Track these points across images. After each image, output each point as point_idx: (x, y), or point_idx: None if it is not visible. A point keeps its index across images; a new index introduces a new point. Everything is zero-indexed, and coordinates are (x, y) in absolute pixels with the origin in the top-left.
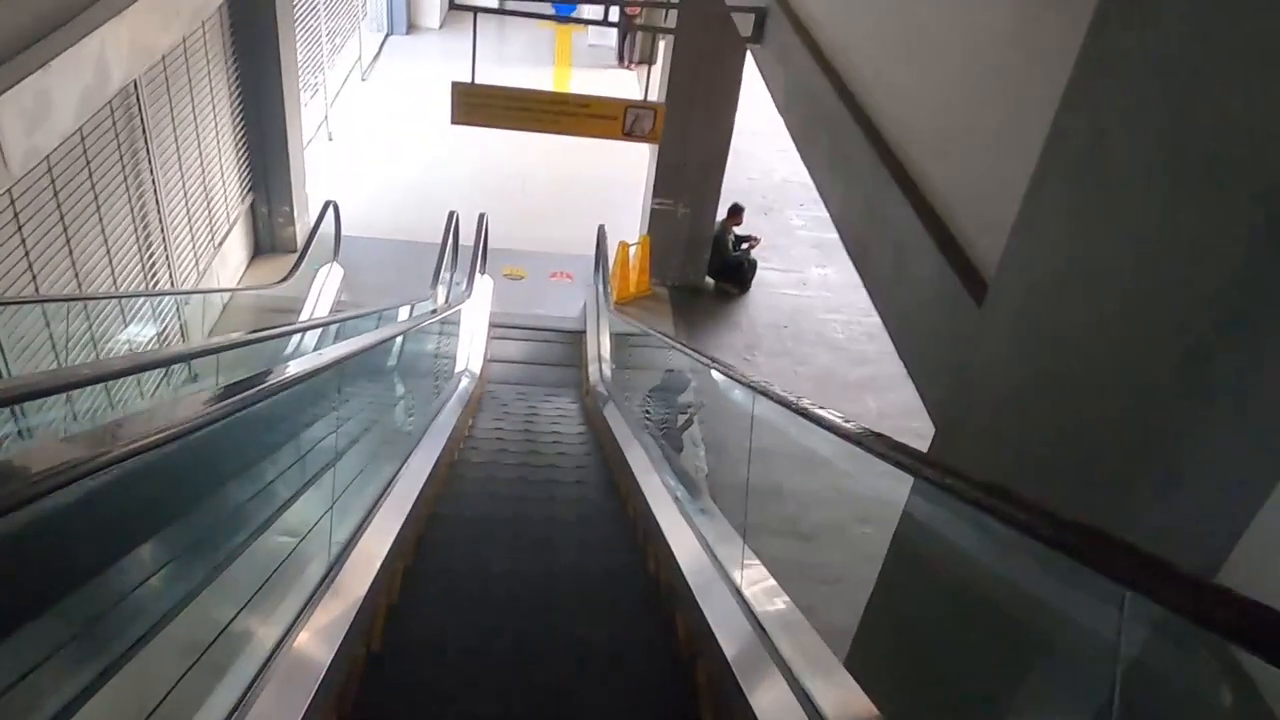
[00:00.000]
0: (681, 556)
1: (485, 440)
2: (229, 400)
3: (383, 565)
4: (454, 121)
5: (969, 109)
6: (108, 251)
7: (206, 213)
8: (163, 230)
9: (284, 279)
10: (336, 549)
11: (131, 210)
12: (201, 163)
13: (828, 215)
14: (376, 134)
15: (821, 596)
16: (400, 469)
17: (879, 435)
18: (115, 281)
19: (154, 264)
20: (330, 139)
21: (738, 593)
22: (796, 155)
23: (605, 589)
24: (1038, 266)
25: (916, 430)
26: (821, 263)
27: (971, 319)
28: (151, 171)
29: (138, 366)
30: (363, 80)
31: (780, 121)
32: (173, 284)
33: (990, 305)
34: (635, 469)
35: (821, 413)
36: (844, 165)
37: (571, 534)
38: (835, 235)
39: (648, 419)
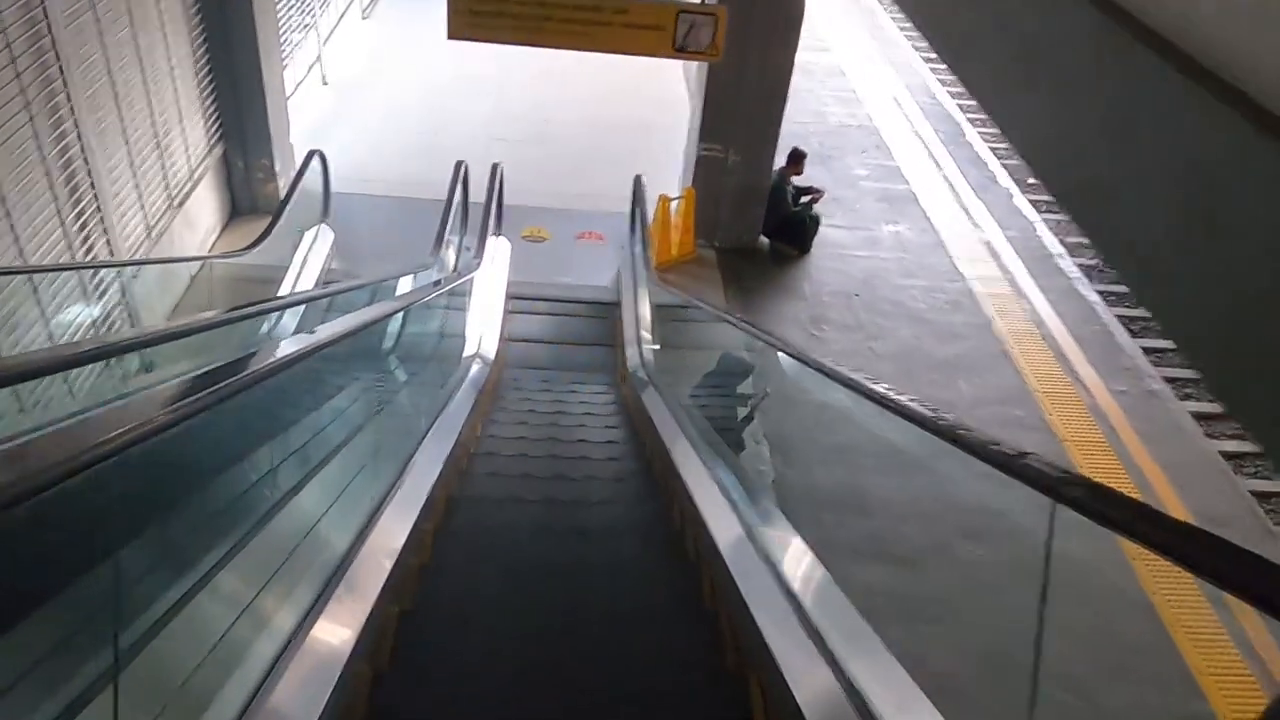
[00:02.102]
0: None
1: (498, 458)
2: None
3: None
4: (451, 35)
5: None
6: (7, 214)
7: (159, 165)
8: (94, 187)
9: (252, 245)
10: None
11: (44, 160)
12: (150, 102)
13: (896, 164)
14: (378, 77)
15: (926, 641)
16: (373, 518)
17: None
18: (21, 253)
19: (86, 230)
20: (325, 83)
21: None
22: (854, 95)
23: None
24: None
25: (1020, 420)
26: (892, 218)
27: None
28: (73, 110)
29: None
30: (364, 18)
31: (832, 57)
32: (112, 254)
33: None
34: (712, 523)
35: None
36: (1042, 68)
37: (624, 647)
38: (905, 187)
39: (708, 417)
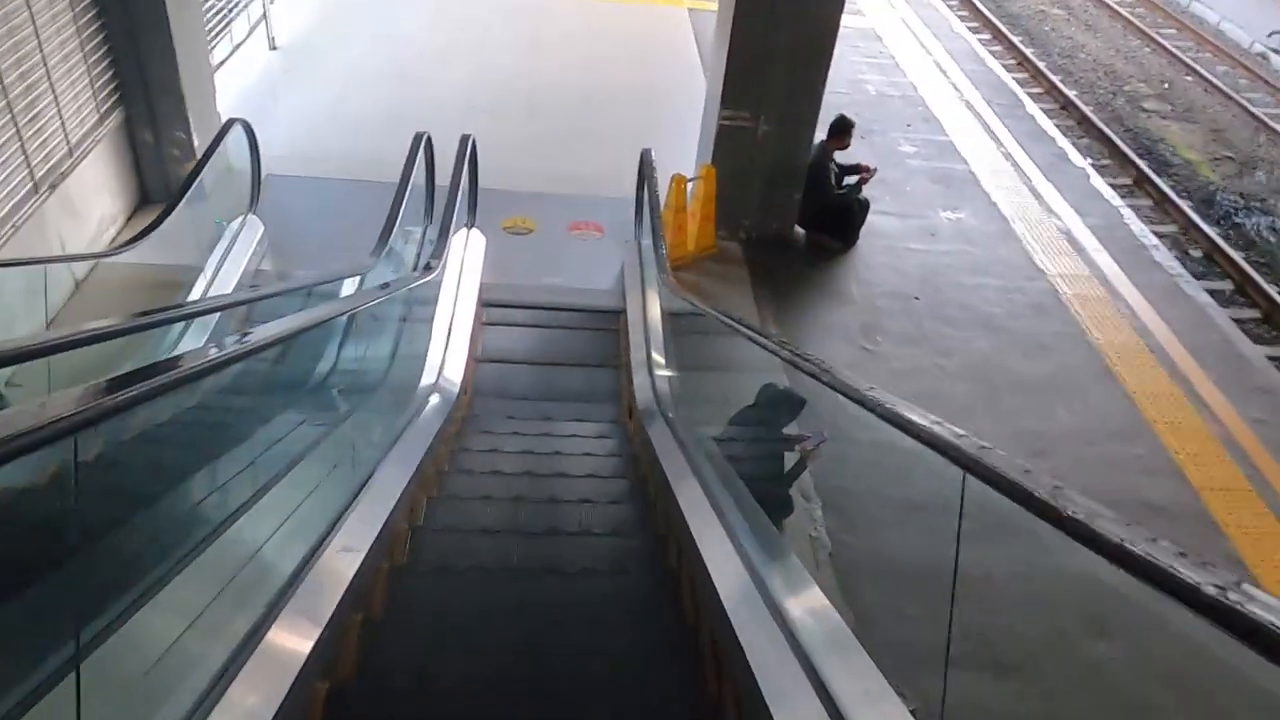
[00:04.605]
0: None
1: (446, 578)
2: None
3: None
4: None
5: None
6: None
7: (14, 134)
8: None
9: (134, 240)
10: None
11: None
12: None
13: (948, 139)
14: (337, 41)
15: None
16: None
17: None
18: None
19: None
20: (273, 47)
21: None
22: (893, 62)
23: None
24: None
25: (1141, 461)
26: (951, 203)
27: None
28: None
29: None
30: None
31: (866, 20)
32: None
33: None
34: None
35: None
36: None
37: None
38: (963, 166)
39: (745, 475)
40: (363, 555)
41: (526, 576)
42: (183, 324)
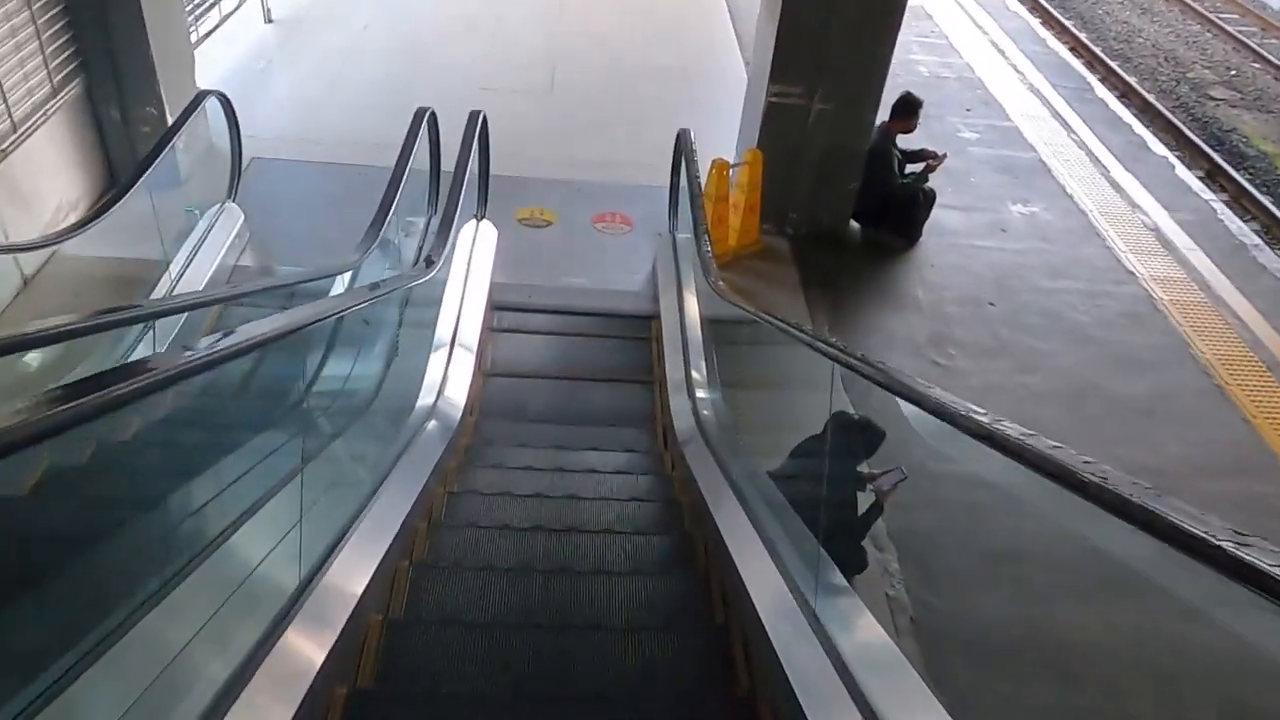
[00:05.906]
0: None
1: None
2: None
3: None
4: None
5: None
6: None
7: None
8: None
9: (74, 228)
10: None
11: None
12: None
13: (1013, 124)
14: (338, 13)
15: None
16: None
17: None
18: None
19: None
20: (268, 19)
21: None
22: (946, 42)
23: None
24: None
25: (1268, 501)
26: (1021, 196)
27: None
28: None
29: None
30: None
31: None
32: None
33: None
34: None
35: None
36: None
37: None
38: (1030, 155)
39: (811, 520)
40: (308, 683)
41: (538, 700)
42: (137, 332)
